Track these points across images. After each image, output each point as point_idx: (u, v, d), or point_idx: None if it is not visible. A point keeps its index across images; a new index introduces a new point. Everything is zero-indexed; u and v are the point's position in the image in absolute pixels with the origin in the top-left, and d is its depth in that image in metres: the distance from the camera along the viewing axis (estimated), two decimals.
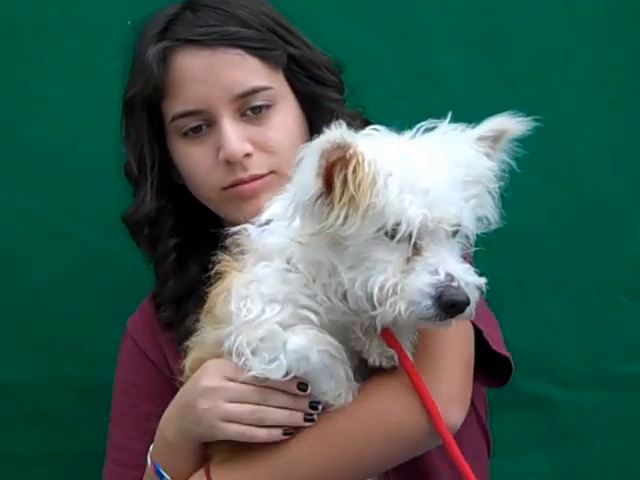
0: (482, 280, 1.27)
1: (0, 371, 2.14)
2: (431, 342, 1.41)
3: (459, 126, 1.31)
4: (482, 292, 1.28)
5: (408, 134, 1.32)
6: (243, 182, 1.60)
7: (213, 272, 1.42)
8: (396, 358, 1.35)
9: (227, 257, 1.41)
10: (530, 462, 2.06)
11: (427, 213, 1.23)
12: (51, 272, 2.10)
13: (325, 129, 1.24)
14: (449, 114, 1.31)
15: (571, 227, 2.04)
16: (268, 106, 1.60)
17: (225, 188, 1.62)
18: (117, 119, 1.69)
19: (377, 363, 1.36)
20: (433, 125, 1.31)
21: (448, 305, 1.22)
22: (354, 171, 1.23)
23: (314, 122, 1.64)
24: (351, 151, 1.23)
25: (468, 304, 1.24)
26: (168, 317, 1.69)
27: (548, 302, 2.05)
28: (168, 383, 1.63)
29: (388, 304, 1.24)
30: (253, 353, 1.32)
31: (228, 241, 1.42)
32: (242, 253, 1.41)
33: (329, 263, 1.30)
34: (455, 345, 1.43)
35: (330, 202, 1.25)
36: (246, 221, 1.46)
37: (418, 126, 1.31)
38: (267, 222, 1.41)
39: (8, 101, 2.05)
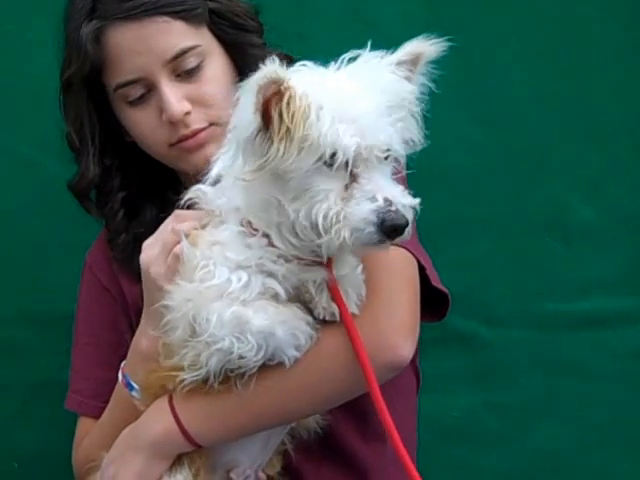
0: (416, 201, 1.32)
1: None
2: (381, 277, 1.48)
3: (379, 53, 1.36)
4: (416, 212, 1.33)
5: (333, 66, 1.35)
6: (187, 137, 1.68)
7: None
8: (337, 314, 1.41)
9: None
10: (457, 398, 2.11)
11: (360, 141, 1.28)
12: (13, 202, 2.09)
13: (260, 66, 1.28)
14: (369, 42, 1.35)
15: (498, 168, 2.08)
16: (200, 61, 1.67)
17: (172, 144, 1.70)
18: None
19: (321, 316, 1.43)
20: (355, 55, 1.35)
21: (391, 230, 1.28)
22: (288, 104, 1.27)
23: (241, 68, 1.72)
24: (285, 85, 1.27)
25: (407, 226, 1.30)
26: (122, 259, 1.76)
27: (476, 243, 2.09)
28: (124, 312, 1.74)
29: (333, 232, 1.29)
30: (217, 327, 1.36)
31: (186, 201, 1.47)
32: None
33: (274, 199, 1.34)
34: (404, 279, 1.51)
35: (269, 137, 1.29)
36: (196, 171, 1.56)
37: (342, 57, 1.35)
38: (218, 179, 1.44)
39: None
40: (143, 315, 1.58)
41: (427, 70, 1.38)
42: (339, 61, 1.35)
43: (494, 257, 2.09)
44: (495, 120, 2.08)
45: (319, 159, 1.29)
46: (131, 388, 1.56)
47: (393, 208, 1.28)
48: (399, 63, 1.37)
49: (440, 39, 1.36)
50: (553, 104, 2.06)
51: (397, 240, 1.32)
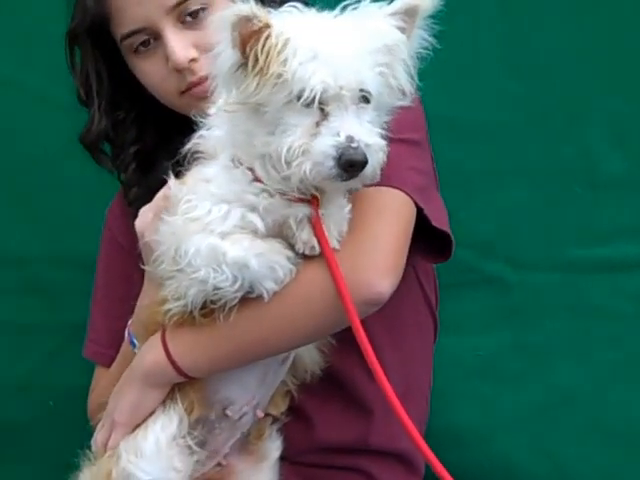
0: (382, 142, 1.35)
1: (2, 241, 2.26)
2: (367, 216, 1.49)
3: (377, 4, 1.38)
4: (384, 153, 1.36)
5: (330, 12, 1.39)
6: (195, 84, 1.69)
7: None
8: (317, 248, 1.44)
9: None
10: (483, 338, 2.18)
11: (327, 80, 1.31)
12: (52, 145, 2.18)
13: (236, 2, 1.33)
14: None
15: (532, 119, 2.12)
16: (204, 9, 1.68)
17: (182, 92, 1.71)
18: None
19: (301, 251, 1.45)
20: (356, 4, 1.38)
21: (347, 165, 1.31)
22: (264, 42, 1.32)
23: None
24: (261, 23, 1.32)
25: (366, 164, 1.32)
26: (135, 213, 1.74)
27: (507, 190, 2.15)
28: (139, 267, 1.70)
29: (295, 164, 1.33)
30: (195, 258, 1.41)
31: (188, 148, 1.49)
32: (203, 158, 1.49)
33: (254, 131, 1.39)
34: (392, 218, 1.51)
35: (247, 72, 1.34)
36: (198, 120, 1.52)
37: (342, 5, 1.38)
38: (215, 118, 1.48)
39: None
40: (145, 278, 1.62)
41: (427, 25, 1.39)
42: (339, 8, 1.38)
43: (523, 203, 2.15)
44: (527, 72, 2.12)
45: (290, 95, 1.33)
46: (134, 346, 1.62)
47: (354, 145, 1.31)
48: (394, 13, 1.38)
49: None
50: (585, 56, 2.10)
51: (361, 178, 1.34)
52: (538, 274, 2.17)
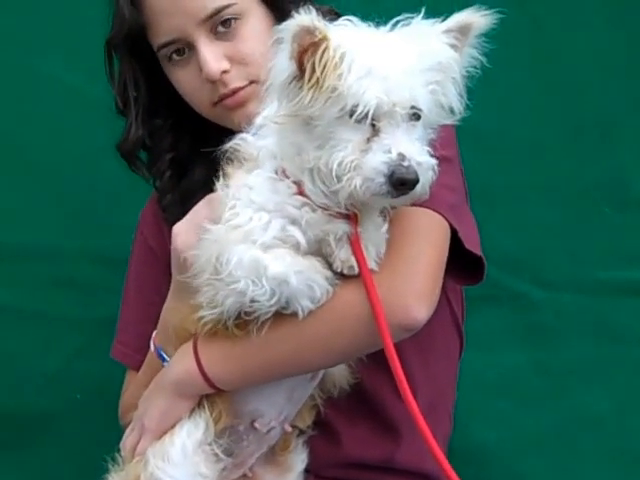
0: (433, 161, 1.35)
1: (38, 236, 2.29)
2: (405, 239, 1.48)
3: (430, 20, 1.39)
4: (434, 172, 1.36)
5: (382, 28, 1.39)
6: (227, 96, 1.70)
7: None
8: (356, 268, 1.43)
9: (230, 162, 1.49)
10: (505, 357, 2.18)
11: (382, 96, 1.31)
12: (89, 143, 2.20)
13: (294, 14, 1.33)
14: (422, 10, 1.38)
15: (563, 137, 2.13)
16: (237, 19, 1.69)
17: (215, 103, 1.72)
18: None
19: (339, 270, 1.44)
20: (407, 20, 1.38)
21: (398, 183, 1.31)
22: (322, 55, 1.32)
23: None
24: (320, 35, 1.32)
25: (417, 182, 1.32)
26: (169, 219, 1.77)
27: (536, 207, 2.15)
28: (168, 271, 1.71)
29: (345, 179, 1.33)
30: (236, 269, 1.41)
31: (227, 148, 1.50)
32: (243, 159, 1.49)
33: (303, 144, 1.39)
34: (428, 242, 1.50)
35: (302, 84, 1.34)
36: (242, 127, 1.54)
37: (393, 20, 1.38)
38: (261, 126, 1.48)
39: None
40: (171, 284, 1.62)
41: (479, 43, 1.38)
42: (391, 23, 1.38)
43: (551, 222, 2.15)
44: (560, 89, 2.13)
45: (342, 110, 1.33)
46: (163, 359, 1.61)
47: (405, 163, 1.31)
48: (447, 31, 1.38)
49: (490, 11, 1.37)
50: (618, 74, 2.11)
51: (410, 196, 1.35)
52: (563, 294, 2.17)
